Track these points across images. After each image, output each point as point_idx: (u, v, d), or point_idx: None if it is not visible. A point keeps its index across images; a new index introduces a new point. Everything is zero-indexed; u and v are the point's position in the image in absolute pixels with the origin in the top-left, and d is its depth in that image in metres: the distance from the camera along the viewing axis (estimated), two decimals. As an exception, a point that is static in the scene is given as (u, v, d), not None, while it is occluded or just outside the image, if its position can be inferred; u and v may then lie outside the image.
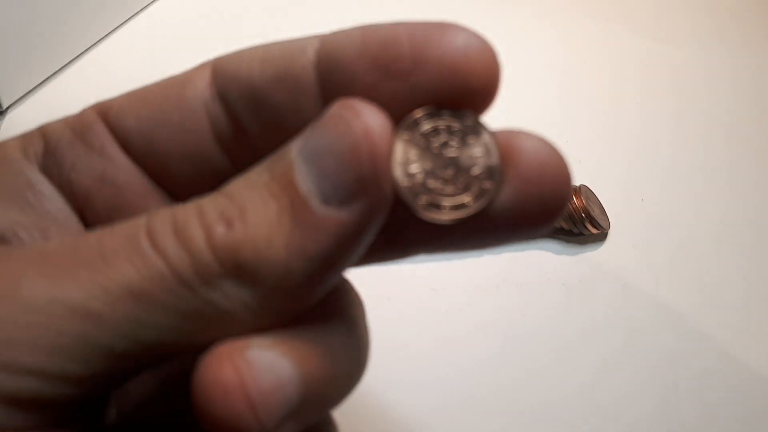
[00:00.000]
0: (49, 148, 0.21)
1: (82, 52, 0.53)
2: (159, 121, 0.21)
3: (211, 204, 0.17)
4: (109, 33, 0.55)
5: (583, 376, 0.41)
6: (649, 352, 0.42)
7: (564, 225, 0.47)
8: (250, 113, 0.20)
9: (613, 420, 0.40)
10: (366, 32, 0.18)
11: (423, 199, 0.17)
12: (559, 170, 0.18)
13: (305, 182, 0.17)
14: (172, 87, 0.21)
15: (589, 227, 0.46)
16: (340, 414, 0.21)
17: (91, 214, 0.21)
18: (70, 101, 0.49)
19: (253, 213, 0.17)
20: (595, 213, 0.47)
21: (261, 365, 0.17)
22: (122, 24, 0.56)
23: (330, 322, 0.19)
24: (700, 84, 0.60)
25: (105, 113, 0.21)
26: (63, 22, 0.51)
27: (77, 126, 0.21)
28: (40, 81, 0.51)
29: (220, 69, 0.21)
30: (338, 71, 0.18)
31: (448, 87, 0.18)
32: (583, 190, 0.47)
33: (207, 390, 0.16)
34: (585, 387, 0.41)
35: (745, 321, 0.44)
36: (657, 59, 0.61)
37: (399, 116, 0.18)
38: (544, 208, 0.18)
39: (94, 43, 0.54)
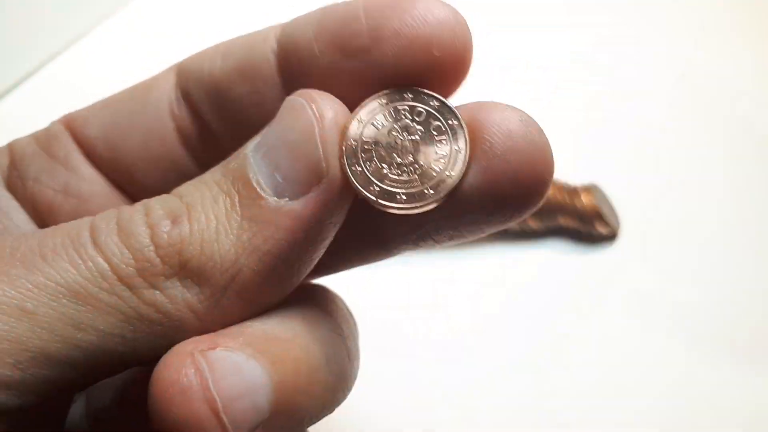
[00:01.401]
0: (14, 162, 0.21)
1: (53, 57, 0.52)
2: (123, 128, 0.20)
3: (159, 203, 0.16)
4: (82, 35, 0.54)
5: (592, 381, 0.40)
6: (661, 358, 0.40)
7: (573, 224, 0.45)
8: (213, 110, 0.19)
9: (623, 426, 0.38)
10: (325, 11, 0.17)
11: (376, 188, 0.16)
12: (533, 141, 0.16)
13: (257, 175, 0.16)
14: (137, 92, 0.21)
15: (599, 227, 0.44)
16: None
17: (53, 224, 0.21)
18: (43, 104, 0.48)
19: (201, 209, 0.16)
20: (605, 212, 0.45)
21: (226, 367, 0.15)
22: (96, 25, 0.55)
23: (312, 325, 0.17)
24: (716, 80, 0.57)
25: (71, 123, 0.21)
26: (36, 22, 0.50)
27: (43, 138, 0.21)
28: (12, 83, 0.51)
29: (184, 69, 0.20)
30: (297, 56, 0.17)
31: (410, 63, 0.16)
32: (593, 189, 0.45)
33: (164, 392, 0.15)
34: (593, 392, 0.39)
35: (763, 324, 0.42)
36: (673, 55, 0.59)
37: (362, 100, 0.17)
38: (518, 186, 0.16)
39: (65, 48, 0.53)
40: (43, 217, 0.21)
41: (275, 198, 0.15)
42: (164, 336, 0.16)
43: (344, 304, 0.20)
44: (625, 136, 0.53)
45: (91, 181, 0.21)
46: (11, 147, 0.21)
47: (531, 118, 0.16)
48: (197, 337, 0.16)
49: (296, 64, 0.17)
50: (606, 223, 0.44)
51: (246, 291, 0.16)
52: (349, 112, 0.16)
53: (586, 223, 0.45)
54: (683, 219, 0.48)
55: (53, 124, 0.21)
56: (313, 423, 0.17)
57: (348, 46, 0.16)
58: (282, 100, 0.18)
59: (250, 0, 0.61)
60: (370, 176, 0.16)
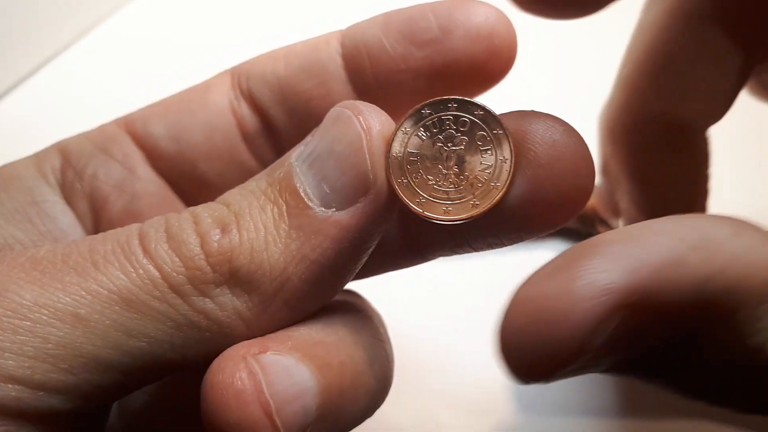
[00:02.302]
0: (69, 162, 0.21)
1: (53, 57, 0.52)
2: (187, 123, 0.21)
3: (206, 211, 0.17)
4: (81, 36, 0.53)
5: (590, 383, 0.40)
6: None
7: (573, 225, 0.46)
8: (278, 104, 0.21)
9: (623, 424, 0.39)
10: (388, 16, 0.19)
11: (422, 200, 0.16)
12: (576, 151, 0.16)
13: (304, 185, 0.16)
14: (194, 94, 0.22)
15: (600, 228, 0.45)
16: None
17: (106, 220, 0.21)
18: (43, 104, 0.48)
19: (250, 218, 0.16)
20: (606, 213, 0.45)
21: (278, 371, 0.16)
22: (95, 25, 0.54)
23: (354, 329, 0.18)
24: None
25: (130, 125, 0.22)
26: (36, 22, 0.50)
27: (98, 139, 0.22)
28: (12, 83, 0.50)
29: (242, 71, 0.21)
30: (367, 52, 0.19)
31: (476, 50, 0.19)
32: (593, 189, 0.46)
33: (218, 395, 0.15)
34: (592, 393, 0.40)
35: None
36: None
37: (427, 93, 0.18)
38: (561, 195, 0.16)
39: (64, 48, 0.52)
40: (97, 210, 0.21)
41: (322, 208, 0.16)
42: (212, 342, 0.16)
43: (375, 309, 0.21)
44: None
45: (146, 180, 0.22)
46: (63, 147, 0.22)
47: (573, 127, 0.17)
48: (247, 342, 0.16)
49: (365, 59, 0.19)
50: (606, 224, 0.45)
51: (293, 298, 0.16)
52: (393, 123, 0.17)
53: (586, 223, 0.45)
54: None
55: (105, 126, 0.22)
56: (354, 427, 0.18)
57: (419, 38, 0.19)
58: (349, 94, 0.19)
59: (248, 3, 0.60)
60: (416, 188, 0.16)
